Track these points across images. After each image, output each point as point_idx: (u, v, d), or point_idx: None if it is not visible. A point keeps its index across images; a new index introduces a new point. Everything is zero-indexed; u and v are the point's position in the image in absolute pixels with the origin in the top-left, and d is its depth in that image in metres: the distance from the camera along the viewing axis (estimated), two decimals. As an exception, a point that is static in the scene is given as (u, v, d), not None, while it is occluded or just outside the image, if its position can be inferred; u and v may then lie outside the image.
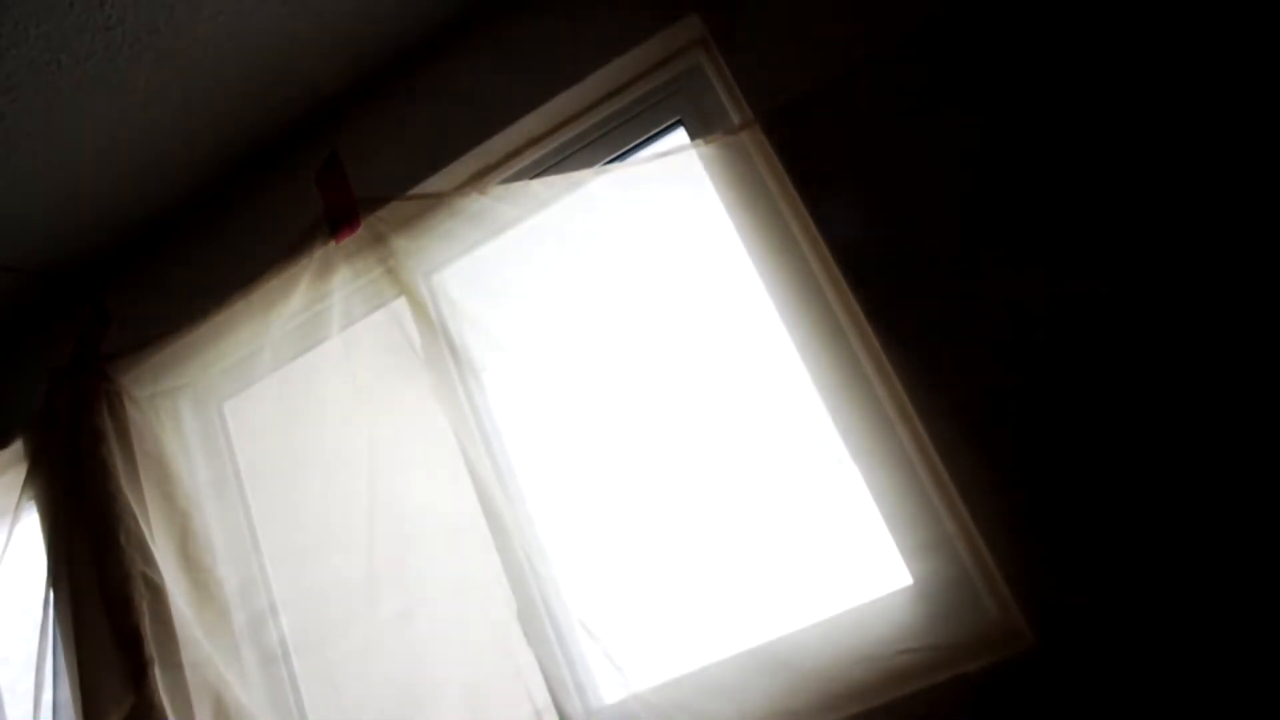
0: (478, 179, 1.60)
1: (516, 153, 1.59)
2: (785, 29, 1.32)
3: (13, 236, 1.72)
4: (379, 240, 1.52)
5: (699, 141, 1.39)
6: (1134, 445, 1.05)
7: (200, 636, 1.52)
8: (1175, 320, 1.06)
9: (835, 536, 1.28)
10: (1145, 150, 1.10)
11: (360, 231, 1.51)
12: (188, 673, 1.50)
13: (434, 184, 1.56)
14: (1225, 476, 1.01)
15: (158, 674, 1.47)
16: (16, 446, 1.79)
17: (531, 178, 1.53)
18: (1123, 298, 1.08)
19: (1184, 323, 1.05)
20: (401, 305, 1.53)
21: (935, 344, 1.16)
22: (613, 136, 1.56)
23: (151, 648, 1.50)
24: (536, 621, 1.40)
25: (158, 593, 1.53)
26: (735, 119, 1.44)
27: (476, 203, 1.45)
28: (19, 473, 1.76)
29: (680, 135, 1.53)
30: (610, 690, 1.35)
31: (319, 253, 1.53)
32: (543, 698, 1.34)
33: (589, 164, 1.55)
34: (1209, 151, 1.07)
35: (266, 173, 1.75)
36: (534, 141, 1.58)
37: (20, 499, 1.74)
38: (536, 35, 1.53)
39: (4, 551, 1.70)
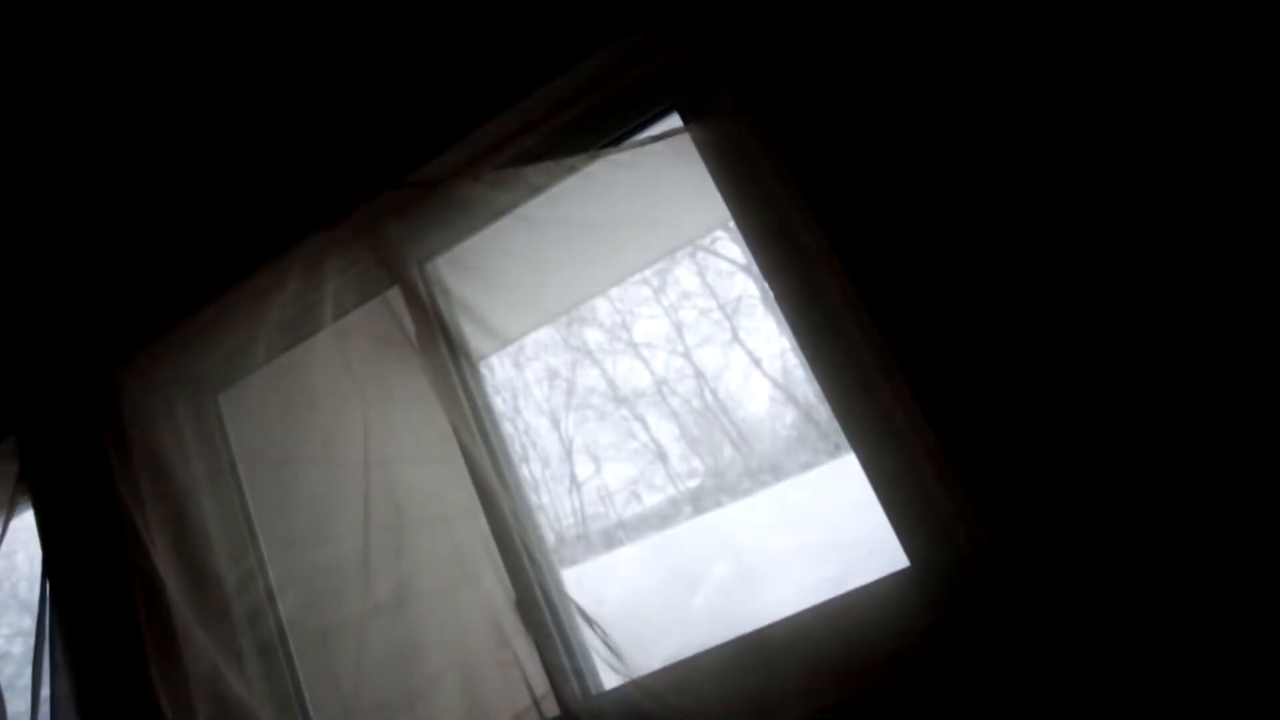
0: (471, 165, 1.58)
1: (510, 139, 1.57)
2: (782, 13, 1.31)
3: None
4: (371, 228, 1.50)
5: (691, 125, 1.37)
6: (1130, 431, 1.05)
7: (197, 629, 1.52)
8: (1168, 318, 1.05)
9: (833, 520, 1.27)
10: (1137, 144, 1.09)
11: (352, 220, 1.50)
12: (185, 666, 1.50)
13: (426, 171, 1.54)
14: (1223, 474, 1.01)
15: (155, 667, 1.47)
16: (11, 441, 1.79)
17: (525, 164, 1.51)
18: (1111, 289, 1.07)
19: (1176, 323, 1.05)
20: (395, 295, 1.52)
21: (933, 328, 1.15)
22: (607, 123, 1.54)
23: (149, 641, 1.50)
24: (535, 609, 1.40)
25: (154, 586, 1.53)
26: (730, 103, 1.42)
27: (470, 190, 1.44)
28: (13, 468, 1.75)
29: (674, 121, 1.51)
30: (609, 676, 1.36)
31: (310, 242, 1.52)
32: (542, 685, 1.34)
33: (583, 150, 1.54)
34: (1204, 149, 1.06)
35: (260, 157, 1.73)
36: (528, 127, 1.56)
37: (15, 494, 1.73)
38: (531, 19, 1.51)
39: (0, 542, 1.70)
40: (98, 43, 1.41)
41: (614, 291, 1.39)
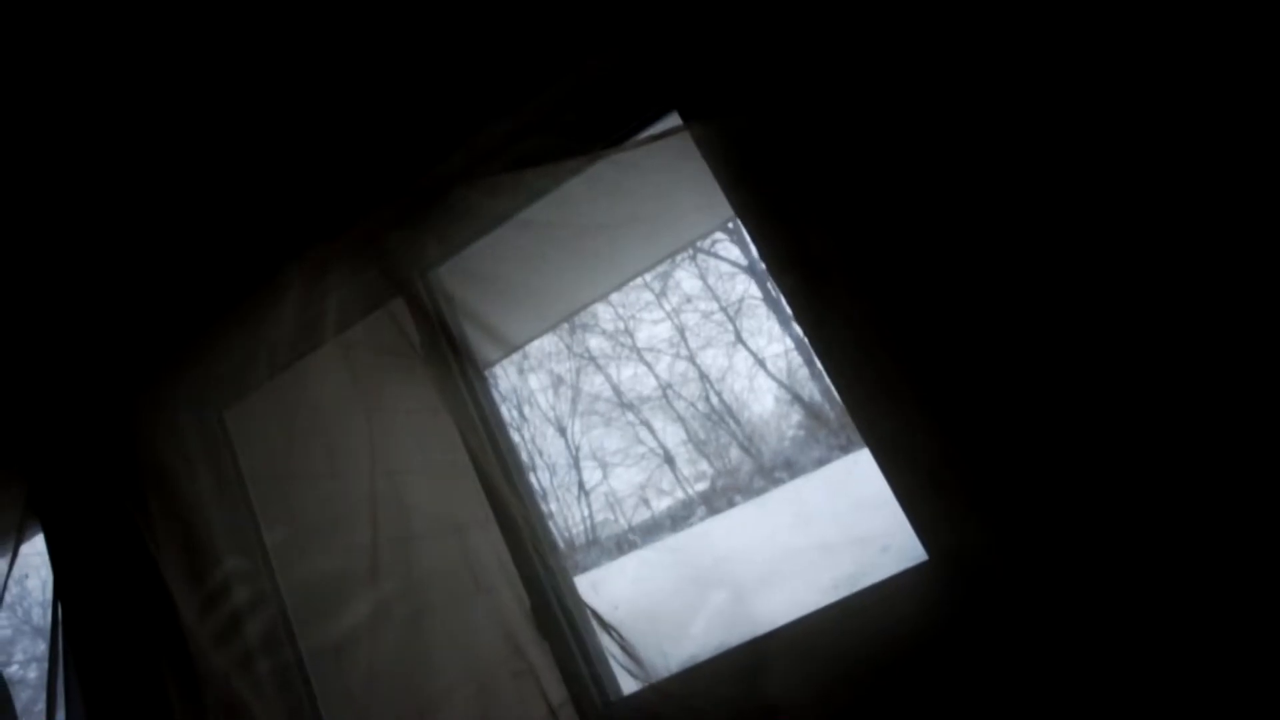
0: (470, 172, 1.57)
1: (509, 143, 1.56)
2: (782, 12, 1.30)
3: None
4: (372, 239, 1.50)
5: (692, 122, 1.36)
6: (1147, 429, 1.04)
7: (210, 646, 1.51)
8: (1173, 319, 1.04)
9: (845, 517, 1.26)
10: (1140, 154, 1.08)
11: (352, 231, 1.49)
12: (199, 685, 1.49)
13: (426, 179, 1.53)
14: (1224, 473, 1.00)
15: (169, 686, 1.46)
16: (20, 466, 1.78)
17: (525, 168, 1.50)
18: (1122, 283, 1.07)
19: (1180, 324, 1.04)
20: (398, 305, 1.51)
21: (946, 321, 1.14)
22: (607, 123, 1.53)
23: (162, 660, 1.49)
24: (551, 617, 1.39)
25: (166, 607, 1.52)
26: (731, 99, 1.41)
27: (470, 195, 1.43)
28: (22, 491, 1.75)
29: (674, 120, 1.50)
30: (627, 682, 1.34)
31: (310, 255, 1.51)
32: (559, 694, 1.33)
33: (583, 152, 1.53)
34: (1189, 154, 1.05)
35: (257, 172, 1.72)
36: (527, 131, 1.55)
37: (24, 517, 1.73)
38: (528, 24, 1.50)
39: (10, 569, 1.69)
40: (104, 85, 1.40)
41: (616, 297, 1.39)
